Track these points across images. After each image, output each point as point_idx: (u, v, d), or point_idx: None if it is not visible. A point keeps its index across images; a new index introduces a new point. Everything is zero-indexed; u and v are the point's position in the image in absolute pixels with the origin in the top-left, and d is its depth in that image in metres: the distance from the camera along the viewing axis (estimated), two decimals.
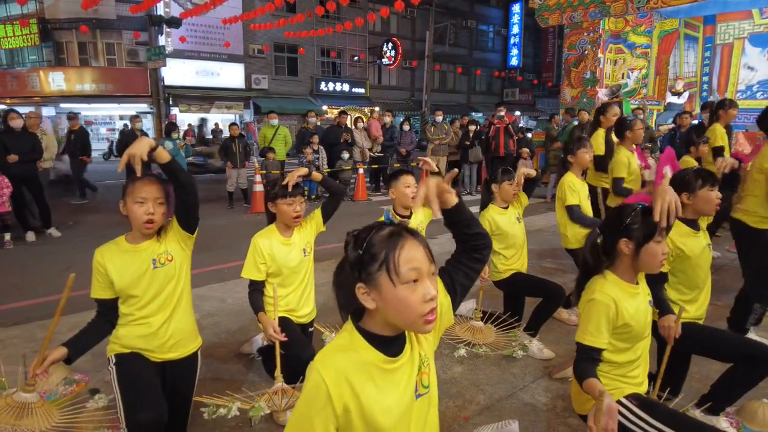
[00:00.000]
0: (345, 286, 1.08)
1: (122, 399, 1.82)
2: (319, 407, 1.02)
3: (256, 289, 2.51)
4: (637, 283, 1.84)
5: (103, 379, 2.56)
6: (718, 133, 4.93)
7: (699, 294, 2.39)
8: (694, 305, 2.37)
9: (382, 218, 1.19)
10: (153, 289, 1.96)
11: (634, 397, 1.75)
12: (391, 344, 1.10)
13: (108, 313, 1.98)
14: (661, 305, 2.21)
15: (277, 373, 2.26)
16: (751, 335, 3.22)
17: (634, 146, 4.05)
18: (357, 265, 1.05)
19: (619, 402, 1.73)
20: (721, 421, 2.27)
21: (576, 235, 3.61)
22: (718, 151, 4.76)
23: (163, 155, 1.81)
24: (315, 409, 1.03)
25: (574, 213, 3.57)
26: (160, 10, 17.96)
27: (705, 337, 2.30)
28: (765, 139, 3.24)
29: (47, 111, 20.02)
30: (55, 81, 19.09)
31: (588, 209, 3.65)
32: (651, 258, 1.73)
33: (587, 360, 1.74)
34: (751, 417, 2.21)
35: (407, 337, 1.15)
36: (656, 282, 2.29)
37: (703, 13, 11.21)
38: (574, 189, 3.58)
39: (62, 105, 20.14)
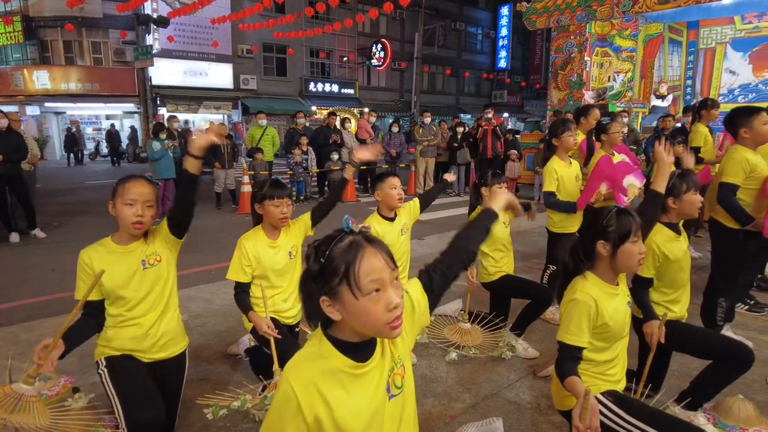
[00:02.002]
0: (311, 297, 1.08)
1: (120, 400, 1.81)
2: (289, 417, 1.04)
3: (242, 290, 2.52)
4: (617, 284, 1.88)
5: (88, 381, 2.55)
6: (700, 133, 5.01)
7: (681, 294, 2.47)
8: (678, 305, 2.44)
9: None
10: (143, 290, 1.97)
11: (610, 394, 1.79)
12: (359, 350, 1.11)
13: (96, 315, 1.97)
14: (646, 311, 2.28)
15: (275, 367, 2.26)
16: (728, 333, 3.30)
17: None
18: (319, 279, 1.05)
19: (595, 398, 1.77)
20: (699, 417, 2.33)
21: (562, 221, 3.68)
22: (693, 151, 4.85)
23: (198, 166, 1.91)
24: (286, 418, 1.04)
25: (547, 199, 3.63)
26: (148, 9, 17.84)
27: (685, 335, 2.38)
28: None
29: (31, 110, 19.79)
30: (40, 80, 18.84)
31: (574, 191, 3.67)
32: (628, 258, 1.77)
33: (569, 358, 1.78)
34: (727, 412, 2.27)
35: (378, 341, 1.16)
36: (641, 287, 2.36)
37: (686, 19, 11.42)
38: (554, 175, 3.60)
39: (47, 104, 19.91)
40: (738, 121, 3.18)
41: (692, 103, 10.29)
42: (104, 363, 1.94)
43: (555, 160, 3.66)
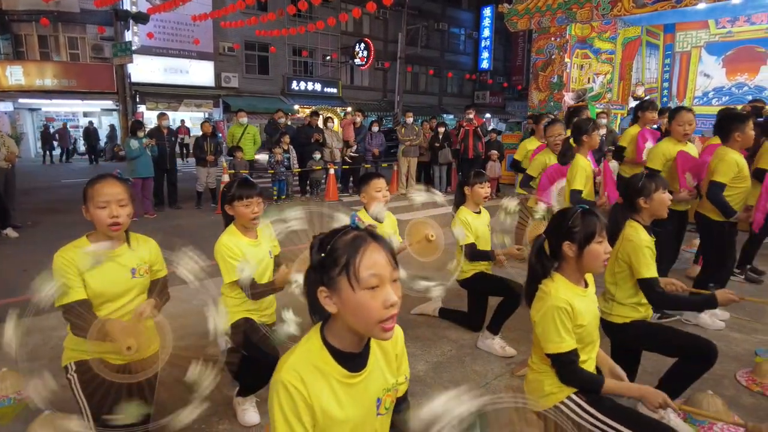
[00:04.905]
0: (312, 289, 1.08)
1: (89, 406, 1.80)
2: (292, 407, 1.04)
3: (254, 286, 2.39)
4: (586, 286, 1.89)
5: (58, 384, 2.49)
6: (627, 134, 5.15)
7: None
8: (644, 306, 2.47)
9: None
10: (128, 297, 1.93)
11: (583, 394, 1.81)
12: (352, 359, 1.12)
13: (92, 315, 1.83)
14: (694, 300, 2.64)
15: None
16: (704, 317, 3.56)
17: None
18: (320, 269, 1.05)
19: (569, 398, 1.79)
20: (669, 413, 2.38)
21: None
22: (619, 150, 5.02)
23: None
24: (289, 410, 1.04)
25: (574, 197, 3.67)
26: (127, 4, 17.49)
27: (652, 334, 2.44)
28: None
29: (5, 106, 19.24)
30: (14, 75, 18.33)
31: (590, 193, 3.76)
32: (594, 259, 1.78)
33: (573, 365, 1.77)
34: (697, 408, 2.33)
35: (372, 356, 1.16)
36: (655, 286, 2.34)
37: (662, 21, 11.65)
38: (584, 174, 3.66)
39: (21, 100, 19.39)
40: (733, 126, 3.46)
41: (668, 105, 10.53)
42: (74, 368, 1.89)
43: (582, 158, 3.73)
